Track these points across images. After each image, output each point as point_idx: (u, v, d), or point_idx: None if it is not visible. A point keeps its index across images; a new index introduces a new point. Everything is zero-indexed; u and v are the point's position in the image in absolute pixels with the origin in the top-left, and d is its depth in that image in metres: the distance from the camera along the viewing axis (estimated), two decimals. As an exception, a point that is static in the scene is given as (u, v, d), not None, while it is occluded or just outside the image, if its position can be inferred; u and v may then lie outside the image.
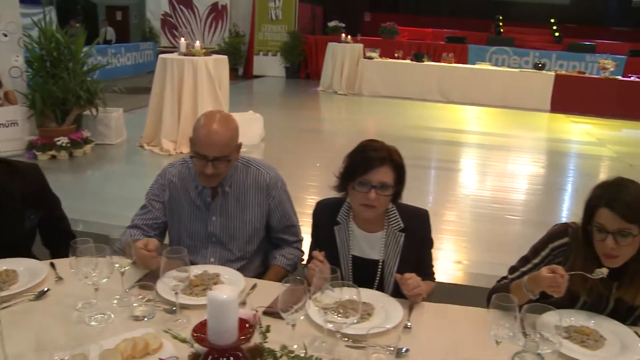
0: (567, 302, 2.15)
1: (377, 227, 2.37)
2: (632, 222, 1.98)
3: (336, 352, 1.78)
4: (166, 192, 2.63)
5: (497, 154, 9.02)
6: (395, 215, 2.36)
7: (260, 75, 16.49)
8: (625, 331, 2.00)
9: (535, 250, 2.27)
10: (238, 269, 2.52)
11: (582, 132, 11.28)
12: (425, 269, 2.43)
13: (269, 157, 7.98)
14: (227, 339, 1.46)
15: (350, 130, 9.89)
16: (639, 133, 11.69)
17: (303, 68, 16.40)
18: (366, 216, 2.31)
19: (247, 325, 1.71)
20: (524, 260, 2.28)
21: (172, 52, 7.98)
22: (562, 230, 2.23)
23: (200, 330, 1.68)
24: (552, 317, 1.91)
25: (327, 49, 13.89)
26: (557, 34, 18.46)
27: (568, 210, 6.38)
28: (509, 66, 15.06)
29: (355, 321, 1.72)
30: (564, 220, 2.75)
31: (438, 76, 13.57)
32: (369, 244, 2.38)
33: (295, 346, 1.70)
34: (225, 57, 7.92)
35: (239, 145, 2.54)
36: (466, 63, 14.93)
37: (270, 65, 16.45)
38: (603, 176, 8.27)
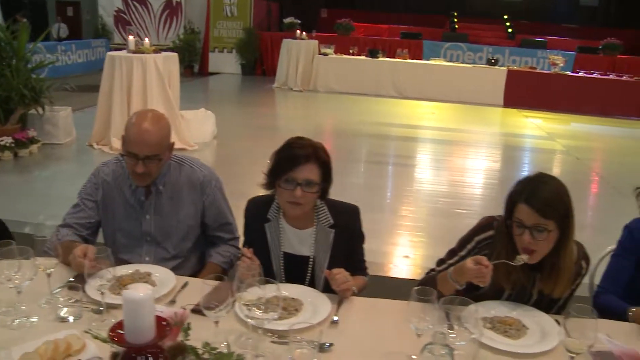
0: (493, 295, 2.20)
1: (307, 223, 2.38)
2: (548, 218, 2.03)
3: (261, 348, 1.78)
4: (99, 191, 2.59)
5: (452, 149, 9.18)
6: (325, 212, 2.38)
7: (216, 72, 16.37)
8: (546, 320, 2.06)
9: (462, 242, 2.31)
10: (173, 268, 2.51)
11: (533, 126, 11.53)
12: (357, 264, 2.45)
13: (222, 155, 7.95)
14: (143, 338, 1.45)
15: (305, 127, 9.90)
16: (586, 127, 11.98)
17: (259, 65, 16.35)
18: (293, 213, 2.32)
19: (164, 323, 1.70)
20: (452, 252, 2.33)
21: (126, 49, 7.87)
22: (487, 223, 2.28)
23: (116, 329, 1.67)
24: (478, 309, 1.96)
25: (282, 45, 13.86)
26: (510, 30, 18.78)
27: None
28: (463, 62, 15.29)
29: (276, 317, 1.73)
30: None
31: (392, 72, 13.70)
32: (299, 240, 2.39)
33: (224, 344, 1.70)
34: (175, 54, 7.85)
35: (172, 144, 2.52)
36: (421, 59, 15.11)
37: (226, 62, 16.34)
38: (553, 169, 8.51)
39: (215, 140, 8.30)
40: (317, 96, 13.39)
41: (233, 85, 15.12)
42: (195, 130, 7.87)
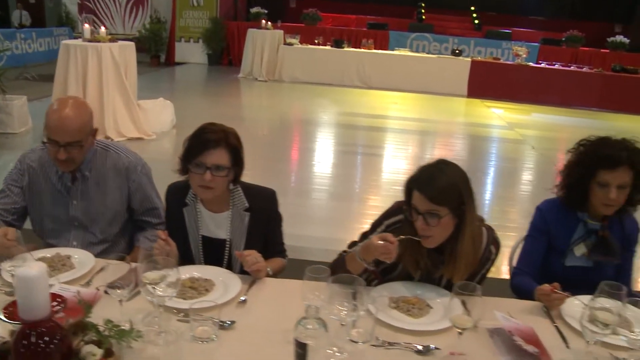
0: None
1: (223, 207, 2.44)
2: (440, 205, 2.09)
3: (165, 326, 1.84)
4: (25, 177, 2.61)
5: (414, 138, 9.31)
6: (240, 195, 2.43)
7: (182, 62, 16.25)
8: (455, 301, 2.13)
9: (373, 226, 2.38)
10: (101, 252, 2.56)
11: (494, 116, 11.70)
12: (275, 247, 2.51)
13: (180, 144, 7.95)
14: (38, 314, 1.49)
15: (270, 117, 9.95)
16: (546, 117, 12.20)
17: (226, 55, 16.27)
18: (204, 197, 2.37)
19: (59, 300, 1.75)
20: (364, 235, 2.40)
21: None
22: (396, 208, 2.35)
23: (10, 307, 1.71)
24: (385, 289, 2.06)
25: (247, 35, 13.83)
26: (477, 21, 18.95)
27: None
28: (429, 52, 15.42)
29: (174, 294, 1.78)
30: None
31: (357, 62, 13.75)
32: (216, 223, 2.45)
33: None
34: (132, 44, 7.81)
35: (94, 131, 2.55)
36: (387, 49, 15.19)
37: (192, 52, 16.23)
38: (510, 158, 8.68)
39: (175, 129, 8.29)
40: (282, 86, 13.40)
41: (198, 75, 15.05)
42: (154, 120, 7.86)
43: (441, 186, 2.10)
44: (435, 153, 8.34)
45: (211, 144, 2.27)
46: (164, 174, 2.72)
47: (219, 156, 2.28)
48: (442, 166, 2.19)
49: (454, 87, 13.75)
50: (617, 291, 1.74)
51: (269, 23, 13.95)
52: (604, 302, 1.74)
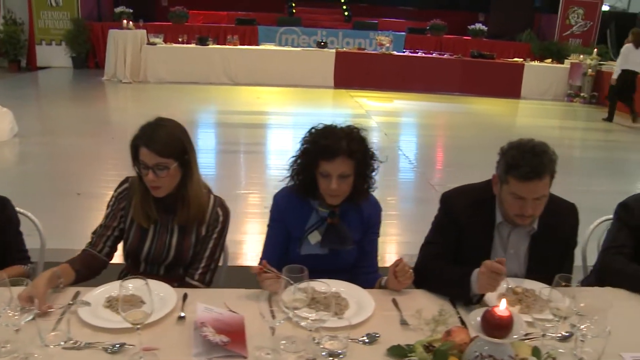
0: (139, 235, 2.52)
1: None
2: (167, 157, 2.29)
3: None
4: None
5: (285, 132, 9.55)
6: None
7: (45, 66, 15.50)
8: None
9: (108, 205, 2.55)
10: None
11: (356, 105, 12.04)
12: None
13: (23, 154, 7.70)
14: None
15: (137, 120, 9.48)
16: (406, 104, 12.71)
17: (91, 57, 15.72)
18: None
19: None
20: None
21: None
22: (123, 180, 2.53)
23: None
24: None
25: (108, 36, 13.40)
26: (346, 13, 19.32)
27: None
28: (298, 46, 15.56)
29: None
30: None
31: (223, 59, 13.70)
32: None
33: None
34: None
35: None
36: (257, 44, 15.20)
37: (55, 56, 15.49)
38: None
39: (17, 138, 7.95)
40: (148, 87, 13.08)
41: (60, 80, 14.40)
42: (-12, 130, 7.51)
43: (165, 139, 2.29)
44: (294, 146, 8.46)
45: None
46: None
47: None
48: (161, 122, 2.37)
49: (320, 79, 14.03)
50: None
51: (131, 23, 13.57)
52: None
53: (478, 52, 15.53)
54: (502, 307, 1.61)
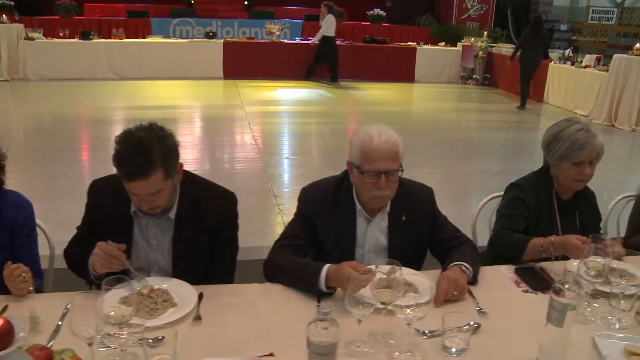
0: None
1: None
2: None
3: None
4: None
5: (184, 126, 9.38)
6: None
7: None
8: None
9: None
10: None
11: (235, 95, 12.04)
12: None
13: None
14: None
15: (17, 122, 9.58)
16: (290, 91, 12.80)
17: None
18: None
19: None
20: None
21: None
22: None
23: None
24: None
25: (-20, 32, 12.95)
26: (247, 2, 19.20)
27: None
28: (193, 37, 15.44)
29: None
30: None
31: (108, 53, 13.45)
32: None
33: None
34: None
35: None
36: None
37: None
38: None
39: None
40: (28, 85, 12.71)
41: None
42: None
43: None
44: (182, 140, 8.42)
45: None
46: None
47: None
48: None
49: (210, 70, 13.98)
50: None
51: (4, 16, 13.11)
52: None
53: (370, 37, 15.74)
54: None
